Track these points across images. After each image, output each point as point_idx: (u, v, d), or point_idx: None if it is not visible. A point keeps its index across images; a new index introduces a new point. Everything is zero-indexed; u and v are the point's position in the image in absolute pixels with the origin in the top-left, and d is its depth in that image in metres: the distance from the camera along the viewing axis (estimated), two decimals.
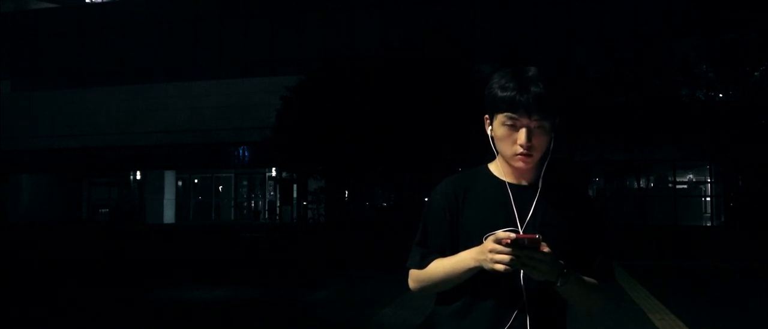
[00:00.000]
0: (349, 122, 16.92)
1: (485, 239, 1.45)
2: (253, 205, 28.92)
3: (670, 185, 22.57)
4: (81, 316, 6.65)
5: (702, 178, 23.80)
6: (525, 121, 1.50)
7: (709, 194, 23.12)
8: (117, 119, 25.46)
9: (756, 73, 17.81)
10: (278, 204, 25.23)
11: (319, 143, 17.46)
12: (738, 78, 17.85)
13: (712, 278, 9.12)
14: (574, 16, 21.74)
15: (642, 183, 22.49)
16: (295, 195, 24.45)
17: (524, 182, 1.60)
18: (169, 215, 26.86)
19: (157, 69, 26.59)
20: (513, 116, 1.51)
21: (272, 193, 27.08)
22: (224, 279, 9.46)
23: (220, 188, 29.53)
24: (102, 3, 28.17)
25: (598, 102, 17.11)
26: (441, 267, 1.57)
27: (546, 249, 1.38)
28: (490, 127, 1.61)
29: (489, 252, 1.39)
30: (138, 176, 27.18)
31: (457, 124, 16.54)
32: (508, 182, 1.59)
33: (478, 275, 1.49)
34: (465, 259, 1.50)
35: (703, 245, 14.48)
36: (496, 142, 1.59)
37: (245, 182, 28.98)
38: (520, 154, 1.52)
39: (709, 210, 23.07)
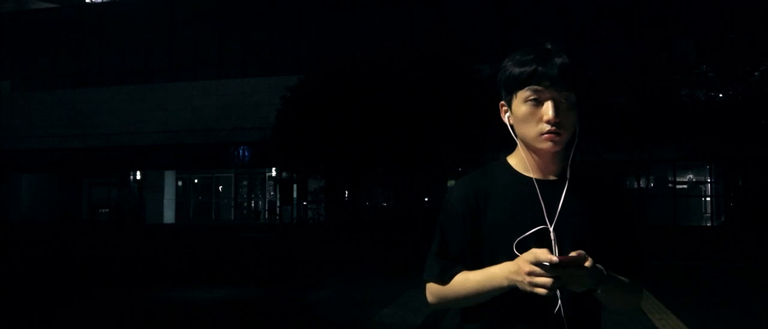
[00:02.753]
0: (349, 121, 16.93)
1: (515, 246, 1.33)
2: (253, 205, 28.92)
3: (670, 185, 22.58)
4: (81, 316, 6.65)
5: (702, 178, 23.81)
6: (551, 93, 1.34)
7: (709, 194, 23.12)
8: (117, 119, 25.47)
9: (756, 73, 17.82)
10: (278, 204, 25.24)
11: (320, 142, 17.47)
12: (738, 78, 17.85)
13: (712, 278, 9.12)
14: (574, 16, 21.74)
15: (642, 183, 22.50)
16: (295, 195, 24.46)
17: (551, 176, 1.43)
18: (169, 215, 26.87)
19: (157, 69, 26.60)
20: (537, 88, 1.35)
21: (272, 193, 27.09)
22: (224, 279, 9.46)
23: (220, 188, 29.54)
24: (102, 3, 28.18)
25: (598, 102, 17.11)
26: (467, 283, 1.41)
27: (588, 263, 1.24)
28: (507, 113, 1.45)
29: (527, 275, 1.25)
30: (138, 176, 27.19)
31: (457, 124, 16.56)
32: (534, 178, 1.42)
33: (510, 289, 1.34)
34: (496, 277, 1.34)
35: (703, 245, 14.48)
36: (517, 126, 1.41)
37: (245, 182, 29.00)
38: (548, 132, 1.34)
39: (709, 210, 23.07)
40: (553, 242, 1.35)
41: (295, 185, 24.21)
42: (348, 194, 21.65)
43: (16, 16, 27.97)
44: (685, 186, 24.06)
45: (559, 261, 1.21)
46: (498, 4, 22.57)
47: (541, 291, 1.23)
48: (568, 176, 1.42)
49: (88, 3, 28.66)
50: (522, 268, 1.26)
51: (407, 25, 22.67)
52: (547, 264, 1.21)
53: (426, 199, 21.86)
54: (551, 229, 1.36)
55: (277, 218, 24.96)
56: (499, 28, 22.32)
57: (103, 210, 27.98)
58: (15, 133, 26.02)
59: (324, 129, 17.20)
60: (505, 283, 1.32)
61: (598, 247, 1.34)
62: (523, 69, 1.37)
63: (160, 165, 26.27)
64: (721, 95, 18.56)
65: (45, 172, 27.75)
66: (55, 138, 26.04)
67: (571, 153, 1.43)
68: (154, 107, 25.26)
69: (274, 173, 25.80)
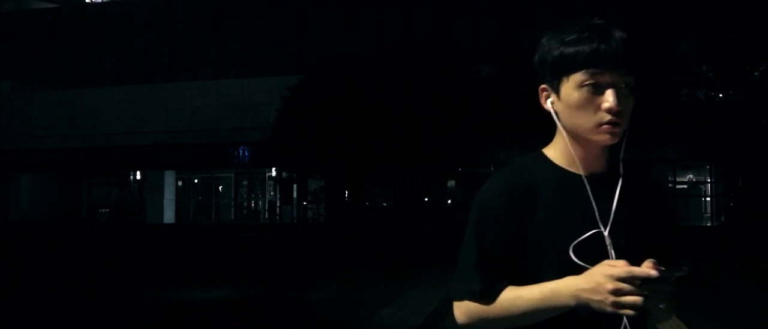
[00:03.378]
0: (349, 121, 16.95)
1: (572, 252, 1.16)
2: (253, 205, 28.93)
3: (670, 185, 22.58)
4: (81, 316, 6.65)
5: (702, 178, 23.81)
6: (611, 77, 1.15)
7: (709, 194, 23.13)
8: (117, 119, 25.48)
9: (756, 73, 17.83)
10: (278, 204, 25.24)
11: (320, 142, 17.49)
12: (738, 78, 17.86)
13: (712, 278, 9.12)
14: (574, 16, 21.71)
15: None
16: (295, 195, 24.46)
17: (598, 172, 1.25)
18: (169, 215, 26.87)
19: (157, 69, 26.60)
20: (596, 71, 1.15)
21: (272, 193, 27.09)
22: (224, 278, 9.46)
23: (220, 188, 29.55)
24: (102, 3, 28.18)
25: None
26: (518, 301, 1.18)
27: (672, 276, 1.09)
28: (550, 98, 1.26)
29: (610, 293, 1.05)
30: (138, 176, 27.20)
31: (457, 124, 16.57)
32: (583, 174, 1.23)
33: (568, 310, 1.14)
34: (560, 294, 1.13)
35: (703, 245, 14.48)
36: (567, 114, 1.21)
37: (245, 182, 29.01)
38: (608, 122, 1.16)
39: (709, 210, 23.08)
40: (608, 247, 1.18)
41: (295, 185, 24.21)
42: (348, 194, 21.66)
43: (16, 16, 27.96)
44: (685, 186, 24.07)
45: (659, 275, 1.04)
46: (498, 4, 22.57)
47: (629, 312, 1.05)
48: (621, 173, 1.24)
49: (88, 3, 28.66)
50: (602, 285, 1.06)
51: (407, 25, 22.66)
52: (649, 276, 1.03)
53: (426, 199, 21.86)
54: (607, 233, 1.19)
55: (277, 218, 24.96)
56: (499, 28, 22.33)
57: (103, 210, 27.98)
58: (15, 133, 26.01)
59: (324, 129, 17.21)
60: (572, 302, 1.11)
61: (652, 252, 1.16)
62: (579, 48, 1.17)
63: (160, 165, 26.27)
64: (721, 95, 18.56)
65: (45, 172, 27.75)
66: (55, 138, 26.04)
67: (622, 146, 1.24)
68: (154, 107, 25.26)
69: (274, 173, 25.80)
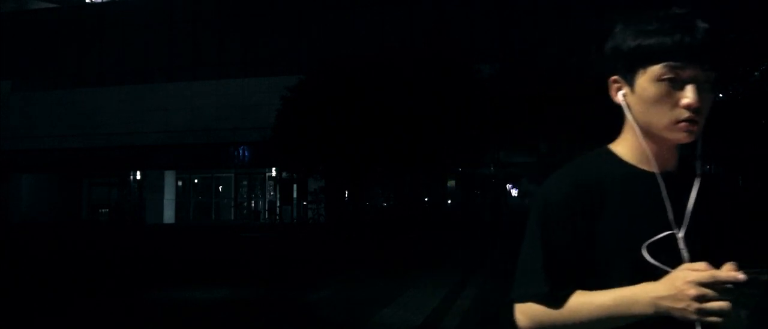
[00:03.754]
0: (349, 121, 16.96)
1: (646, 252, 1.08)
2: (253, 205, 28.93)
3: None
4: (81, 316, 6.65)
5: None
6: (693, 71, 1.08)
7: None
8: (117, 119, 25.48)
9: (756, 73, 17.84)
10: (278, 204, 25.25)
11: (320, 142, 17.50)
12: (738, 78, 17.87)
13: None
14: (574, 16, 21.75)
15: None
16: (295, 195, 24.47)
17: (670, 169, 1.17)
18: (169, 215, 26.87)
19: (157, 69, 26.61)
20: (678, 65, 1.08)
21: (272, 193, 27.10)
22: (224, 279, 9.46)
23: (220, 188, 29.55)
24: (102, 3, 28.18)
25: (598, 102, 17.11)
26: (588, 307, 1.09)
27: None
28: (623, 91, 1.18)
29: (694, 300, 0.97)
30: (138, 176, 27.20)
31: (457, 124, 16.57)
32: (656, 172, 1.15)
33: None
34: (636, 302, 1.04)
35: None
36: (641, 109, 1.14)
37: (245, 182, 29.01)
38: (686, 120, 1.09)
39: None
40: (682, 250, 1.09)
41: (295, 185, 24.22)
42: (348, 194, 21.66)
43: (16, 16, 27.96)
44: None
45: (747, 278, 0.96)
46: (498, 4, 22.58)
47: (716, 319, 0.97)
48: (698, 172, 1.17)
49: (88, 3, 28.67)
50: (685, 291, 0.98)
51: (407, 25, 22.67)
52: (740, 279, 0.96)
53: (426, 199, 21.87)
54: (681, 235, 1.10)
55: (277, 218, 24.97)
56: (499, 28, 22.33)
57: (103, 210, 27.99)
58: (15, 133, 26.01)
59: (324, 129, 17.22)
60: (650, 310, 1.02)
61: (728, 256, 1.06)
62: (660, 39, 1.09)
63: (160, 165, 26.28)
64: (721, 95, 18.57)
65: (45, 172, 27.76)
66: (55, 138, 26.04)
67: (699, 143, 1.16)
68: (154, 107, 25.27)
69: (274, 173, 25.81)
